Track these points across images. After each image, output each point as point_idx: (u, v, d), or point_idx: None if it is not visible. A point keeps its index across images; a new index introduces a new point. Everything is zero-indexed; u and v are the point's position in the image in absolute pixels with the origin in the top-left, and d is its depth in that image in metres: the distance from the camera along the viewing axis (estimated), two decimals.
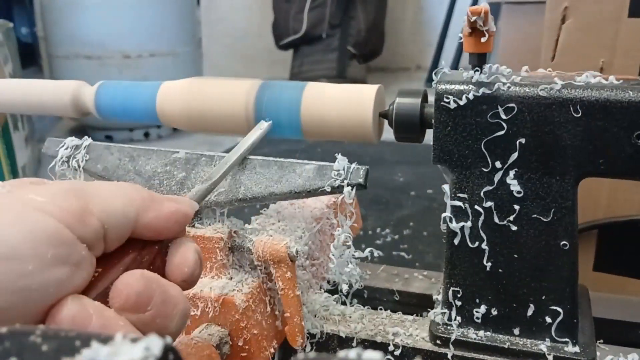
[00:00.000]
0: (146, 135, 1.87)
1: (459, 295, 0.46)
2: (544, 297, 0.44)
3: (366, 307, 0.53)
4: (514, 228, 0.43)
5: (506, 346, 0.45)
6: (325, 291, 0.54)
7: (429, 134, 0.46)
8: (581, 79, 0.41)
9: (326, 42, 2.37)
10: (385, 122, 0.48)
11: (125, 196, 0.30)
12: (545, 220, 0.43)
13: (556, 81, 0.41)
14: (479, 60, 0.43)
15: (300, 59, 2.42)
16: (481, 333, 0.46)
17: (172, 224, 0.32)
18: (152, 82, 0.55)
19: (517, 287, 0.44)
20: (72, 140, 0.52)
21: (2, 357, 0.18)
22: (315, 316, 0.50)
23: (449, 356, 0.46)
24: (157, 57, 1.79)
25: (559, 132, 0.41)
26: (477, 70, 0.43)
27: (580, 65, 0.58)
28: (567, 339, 0.44)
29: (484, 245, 0.44)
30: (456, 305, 0.46)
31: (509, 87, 0.41)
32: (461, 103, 0.42)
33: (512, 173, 0.42)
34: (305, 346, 0.47)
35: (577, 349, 0.44)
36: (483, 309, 0.45)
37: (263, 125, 0.49)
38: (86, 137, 0.53)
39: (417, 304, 0.55)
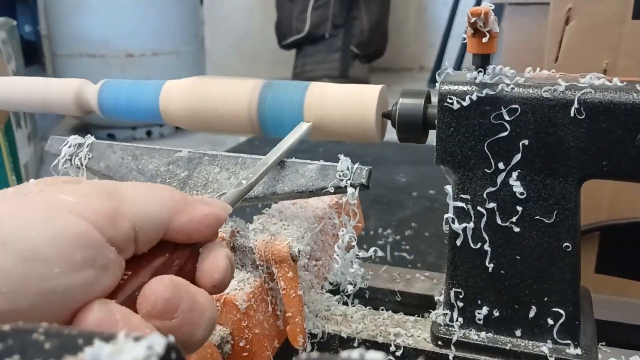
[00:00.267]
0: (148, 134, 1.87)
1: (460, 297, 0.46)
2: (546, 299, 0.44)
3: (368, 307, 0.53)
4: (516, 229, 0.43)
5: (508, 348, 0.45)
6: (327, 291, 0.54)
7: (432, 135, 0.46)
8: (585, 80, 0.41)
9: (329, 42, 2.37)
10: (388, 122, 0.48)
11: (158, 198, 0.30)
12: (547, 221, 0.43)
13: (560, 82, 0.41)
14: (483, 61, 0.43)
15: (303, 59, 2.42)
16: (483, 334, 0.46)
17: (205, 228, 0.31)
18: (155, 81, 0.55)
19: (519, 289, 0.44)
20: (75, 139, 0.52)
21: (5, 354, 0.18)
22: (316, 316, 0.50)
23: (451, 357, 0.46)
24: (160, 56, 1.80)
25: (562, 134, 0.41)
26: (481, 71, 0.43)
27: (583, 66, 0.58)
28: (568, 341, 0.44)
29: (486, 247, 0.44)
30: (458, 306, 0.46)
31: (512, 89, 0.41)
32: (464, 104, 0.42)
33: (515, 174, 0.42)
34: (307, 346, 0.47)
35: (578, 351, 0.43)
36: (485, 310, 0.45)
37: (303, 127, 0.47)
38: (89, 135, 0.53)
39: (418, 305, 0.55)
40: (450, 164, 0.44)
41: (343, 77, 2.30)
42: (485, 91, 0.42)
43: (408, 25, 2.95)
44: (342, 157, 0.44)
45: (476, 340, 0.45)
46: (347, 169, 0.44)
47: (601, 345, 0.49)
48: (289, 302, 0.45)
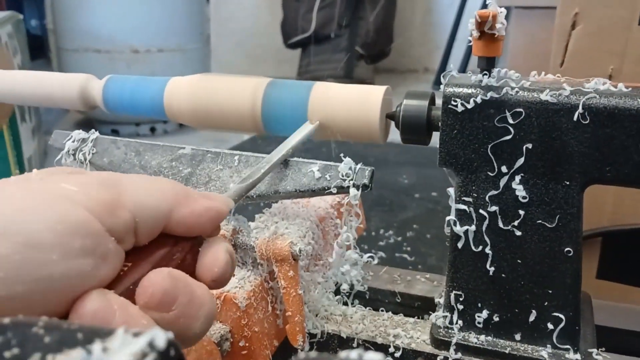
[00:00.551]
0: (152, 130, 1.87)
1: (461, 299, 0.46)
2: (546, 303, 0.44)
3: (368, 308, 0.53)
4: (518, 233, 0.43)
5: (507, 351, 0.45)
6: (327, 291, 0.54)
7: (435, 137, 0.46)
8: (590, 85, 0.41)
9: (334, 42, 2.37)
10: (392, 123, 0.48)
11: (159, 190, 0.30)
12: (549, 226, 0.43)
13: (565, 87, 0.41)
14: (488, 63, 0.43)
15: (308, 59, 2.42)
16: (482, 337, 0.46)
17: (205, 221, 0.31)
18: (160, 77, 0.55)
19: (520, 293, 0.44)
20: (79, 133, 0.52)
21: (5, 348, 0.18)
22: (316, 316, 0.50)
23: None
24: (166, 53, 1.80)
25: (566, 138, 0.41)
26: (486, 74, 0.43)
27: (589, 71, 0.58)
28: (568, 346, 0.44)
29: (487, 250, 0.44)
30: (458, 309, 0.46)
31: (517, 92, 0.41)
32: (469, 106, 0.42)
33: (517, 178, 0.42)
34: (306, 346, 0.47)
35: (578, 356, 0.43)
36: (485, 313, 0.45)
37: (308, 126, 0.47)
38: (93, 130, 0.53)
39: (418, 307, 0.54)
40: (453, 166, 0.44)
41: (348, 77, 2.30)
42: (489, 94, 0.41)
43: (414, 27, 2.95)
44: (345, 159, 0.44)
45: (475, 343, 0.45)
46: (350, 169, 0.44)
47: (601, 350, 0.49)
48: (289, 301, 0.45)
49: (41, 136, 1.53)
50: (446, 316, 0.47)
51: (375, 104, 0.47)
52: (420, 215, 1.18)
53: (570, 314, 0.43)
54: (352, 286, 0.51)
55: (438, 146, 0.44)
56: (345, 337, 0.49)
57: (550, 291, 0.44)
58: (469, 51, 2.25)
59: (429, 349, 0.47)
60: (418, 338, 0.48)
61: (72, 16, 1.76)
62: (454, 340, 0.46)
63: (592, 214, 0.64)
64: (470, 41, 0.42)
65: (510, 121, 0.41)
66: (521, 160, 0.42)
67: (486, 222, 0.44)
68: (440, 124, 0.44)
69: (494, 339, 0.45)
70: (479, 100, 0.42)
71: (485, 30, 0.40)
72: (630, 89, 0.40)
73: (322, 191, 0.44)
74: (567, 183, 0.42)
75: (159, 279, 0.28)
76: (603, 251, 0.65)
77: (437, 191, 1.30)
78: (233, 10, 2.96)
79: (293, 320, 0.46)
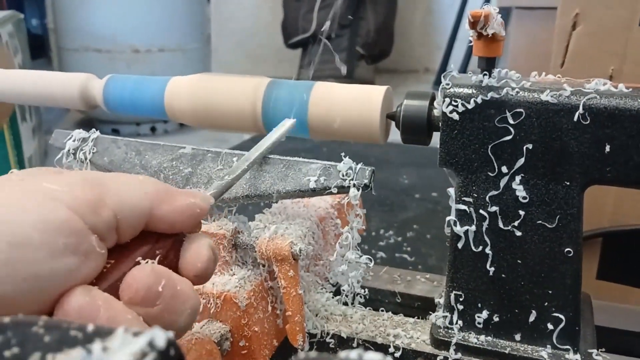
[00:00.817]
0: (153, 130, 1.87)
1: (461, 299, 0.46)
2: (546, 304, 0.44)
3: (367, 308, 0.53)
4: (518, 233, 0.43)
5: (507, 352, 0.45)
6: (327, 291, 0.54)
7: (436, 137, 0.46)
8: (590, 86, 0.41)
9: (335, 42, 2.37)
10: (392, 123, 0.48)
11: (140, 188, 0.30)
12: (550, 226, 0.43)
13: (565, 87, 0.41)
14: (488, 64, 0.43)
15: (309, 58, 2.42)
16: (482, 338, 0.46)
17: (186, 218, 0.31)
18: (160, 77, 0.55)
19: (520, 293, 0.44)
20: (79, 133, 0.52)
21: (4, 347, 0.18)
22: (316, 315, 0.50)
23: None
24: (166, 53, 1.80)
25: (567, 139, 0.41)
26: (486, 75, 0.43)
27: (589, 72, 0.58)
28: (568, 347, 0.44)
29: (487, 250, 0.44)
30: (458, 309, 0.46)
31: (517, 92, 0.41)
32: (469, 107, 0.42)
33: (518, 178, 0.42)
34: (306, 346, 0.47)
35: (578, 356, 0.43)
36: (485, 313, 0.45)
37: (286, 123, 0.48)
38: (94, 129, 0.53)
39: (418, 307, 0.54)
40: (454, 167, 0.44)
41: (348, 77, 2.30)
42: (490, 94, 0.41)
43: (414, 27, 2.95)
44: (345, 159, 0.44)
45: (475, 343, 0.45)
46: (350, 169, 0.44)
47: (600, 351, 0.48)
48: (289, 301, 0.45)
49: (42, 135, 1.53)
50: (446, 316, 0.47)
51: (375, 104, 0.47)
52: (420, 215, 1.18)
53: (570, 315, 0.43)
54: (352, 287, 0.51)
55: (438, 146, 0.44)
56: (345, 337, 0.49)
57: (550, 291, 0.44)
58: (469, 51, 2.25)
59: (429, 349, 0.47)
60: (418, 338, 0.48)
61: (73, 16, 1.76)
62: (453, 341, 0.46)
63: (593, 215, 0.64)
64: (470, 41, 0.42)
65: (511, 121, 0.41)
66: (521, 161, 0.42)
67: (486, 222, 0.44)
68: (440, 124, 0.44)
69: (494, 339, 0.45)
70: (479, 100, 0.42)
71: (478, 30, 0.40)
72: (630, 89, 0.40)
73: (322, 191, 0.44)
74: (568, 183, 0.42)
75: (143, 275, 0.28)
76: (603, 252, 0.65)
77: (438, 191, 1.30)
78: (233, 10, 2.96)
79: (293, 320, 0.46)
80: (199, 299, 0.31)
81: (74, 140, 0.52)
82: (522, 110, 0.41)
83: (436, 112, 0.45)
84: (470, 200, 0.44)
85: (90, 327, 0.19)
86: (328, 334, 0.49)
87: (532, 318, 0.44)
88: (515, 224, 0.43)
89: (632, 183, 0.41)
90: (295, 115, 0.49)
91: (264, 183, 0.46)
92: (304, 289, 0.48)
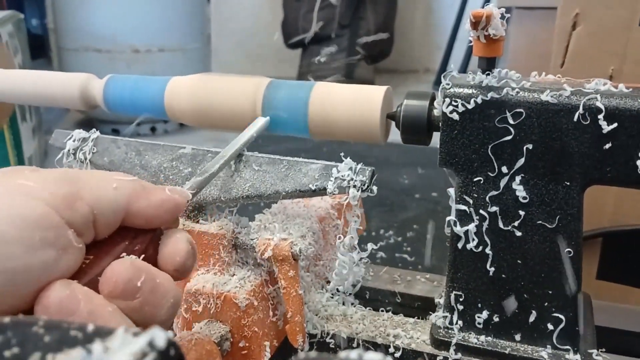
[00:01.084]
0: (153, 130, 1.87)
1: (461, 300, 0.46)
2: (546, 304, 0.44)
3: (368, 308, 0.53)
4: (518, 233, 0.43)
5: (507, 352, 0.45)
6: (327, 291, 0.54)
7: (436, 137, 0.46)
8: (590, 86, 0.41)
9: (335, 42, 2.36)
10: (393, 123, 0.48)
11: (116, 183, 0.31)
12: (550, 226, 0.43)
13: (565, 87, 0.41)
14: (488, 64, 0.43)
15: (309, 58, 2.42)
16: (482, 338, 0.46)
17: (163, 212, 0.32)
18: (160, 77, 0.55)
19: (520, 293, 0.44)
20: (79, 133, 0.52)
21: (5, 347, 0.18)
22: (316, 316, 0.50)
23: None
24: (166, 53, 1.80)
25: (567, 139, 0.41)
26: (487, 74, 0.43)
27: (589, 72, 0.58)
28: (568, 347, 0.44)
29: (487, 250, 0.44)
30: (458, 309, 0.46)
31: (517, 92, 0.41)
32: (469, 107, 0.42)
33: (518, 178, 0.42)
34: (306, 346, 0.47)
35: (578, 357, 0.43)
36: (485, 313, 0.45)
37: (260, 122, 0.49)
38: (94, 129, 0.53)
39: (418, 307, 0.54)
40: (454, 167, 0.44)
41: (348, 77, 2.30)
42: (490, 94, 0.41)
43: (414, 27, 2.95)
44: (346, 160, 0.44)
45: (475, 343, 0.45)
46: (350, 169, 0.44)
47: (600, 351, 0.48)
48: (289, 301, 0.45)
49: (42, 136, 1.53)
50: (446, 316, 0.47)
51: (375, 104, 0.47)
52: (420, 215, 1.18)
53: (570, 315, 0.43)
54: (353, 287, 0.51)
55: (438, 146, 0.44)
56: (345, 337, 0.49)
57: (550, 291, 0.44)
58: (469, 51, 2.25)
59: (429, 349, 0.47)
60: (418, 338, 0.48)
61: (73, 16, 1.76)
62: (454, 341, 0.46)
63: (593, 215, 0.64)
64: (470, 41, 0.42)
65: (511, 121, 0.41)
66: (521, 161, 0.42)
67: (486, 222, 0.44)
68: (440, 124, 0.44)
69: (494, 340, 0.45)
70: (479, 100, 0.42)
71: (479, 30, 0.40)
72: (630, 89, 0.40)
73: (322, 191, 0.44)
74: (568, 183, 0.42)
75: (122, 269, 0.29)
76: (603, 252, 0.65)
77: (438, 191, 1.30)
78: (234, 10, 2.95)
79: (293, 320, 0.46)
80: (179, 292, 0.31)
81: (74, 140, 0.52)
82: (522, 110, 0.41)
83: (436, 112, 0.45)
84: (470, 200, 0.44)
85: (90, 327, 0.19)
86: (328, 334, 0.49)
87: (532, 318, 0.44)
88: (515, 224, 0.43)
89: (632, 183, 0.41)
90: (295, 115, 0.49)
91: (264, 183, 0.46)
92: (304, 289, 0.48)
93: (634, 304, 0.63)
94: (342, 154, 0.45)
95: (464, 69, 2.25)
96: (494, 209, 0.43)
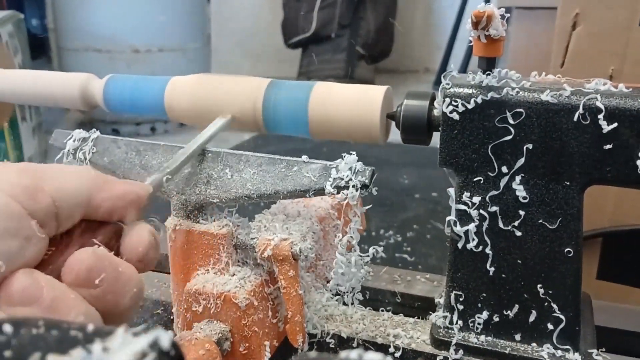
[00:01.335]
0: (153, 129, 1.87)
1: (461, 299, 0.46)
2: (546, 304, 0.44)
3: (367, 308, 0.53)
4: (518, 233, 0.43)
5: (507, 352, 0.45)
6: (327, 291, 0.54)
7: (436, 137, 0.46)
8: (590, 86, 0.41)
9: (335, 42, 2.36)
10: (393, 123, 0.48)
11: (77, 176, 0.31)
12: (550, 226, 0.43)
13: (565, 87, 0.41)
14: (488, 64, 0.43)
15: (309, 58, 2.42)
16: (482, 338, 0.46)
17: (124, 205, 0.32)
18: (161, 77, 0.55)
19: (520, 293, 0.44)
20: (79, 133, 0.52)
21: (5, 347, 0.18)
22: (316, 315, 0.50)
23: None
24: (166, 53, 1.80)
25: (567, 139, 0.41)
26: (487, 74, 0.43)
27: (589, 72, 0.58)
28: (568, 347, 0.44)
29: (487, 250, 0.44)
30: (458, 309, 0.46)
31: (517, 92, 0.41)
32: (469, 107, 0.42)
33: (518, 178, 0.42)
34: (306, 346, 0.47)
35: (578, 356, 0.43)
36: (485, 313, 0.45)
37: (219, 122, 0.50)
38: (94, 129, 0.53)
39: (418, 307, 0.54)
40: (454, 167, 0.44)
41: (348, 77, 2.30)
42: (490, 94, 0.41)
43: (415, 27, 2.95)
44: (348, 157, 0.44)
45: (475, 343, 0.45)
46: (350, 169, 0.43)
47: (600, 351, 0.49)
48: (289, 301, 0.45)
49: (42, 135, 1.53)
50: (446, 316, 0.47)
51: (375, 104, 0.47)
52: (420, 215, 1.18)
53: (571, 315, 0.43)
54: (352, 287, 0.51)
55: (438, 146, 0.44)
56: (345, 337, 0.49)
57: (550, 291, 0.44)
58: (469, 51, 2.25)
59: (429, 349, 0.47)
60: (418, 338, 0.48)
61: (73, 16, 1.76)
62: (454, 341, 0.46)
63: (593, 215, 0.64)
64: (470, 41, 0.42)
65: (511, 121, 0.41)
66: (521, 161, 0.42)
67: (486, 222, 0.44)
68: (440, 124, 0.44)
69: (494, 339, 0.45)
70: (479, 100, 0.42)
71: (480, 30, 0.40)
72: (630, 89, 0.40)
73: (322, 191, 0.44)
74: (568, 183, 0.42)
75: (84, 257, 0.29)
76: (603, 252, 0.65)
77: (438, 191, 1.30)
78: (234, 10, 2.96)
79: (293, 320, 0.46)
80: (142, 281, 0.31)
81: (74, 140, 0.52)
82: (522, 110, 0.41)
83: (436, 112, 0.45)
84: (470, 200, 0.44)
85: (90, 327, 0.19)
86: (328, 334, 0.49)
87: (532, 318, 0.44)
88: (516, 224, 0.43)
89: (632, 183, 0.41)
90: (295, 115, 0.49)
91: (264, 183, 0.46)
92: (304, 289, 0.48)
93: (634, 304, 0.63)
94: (342, 154, 0.45)
95: (464, 69, 2.25)
96: (494, 208, 0.43)
